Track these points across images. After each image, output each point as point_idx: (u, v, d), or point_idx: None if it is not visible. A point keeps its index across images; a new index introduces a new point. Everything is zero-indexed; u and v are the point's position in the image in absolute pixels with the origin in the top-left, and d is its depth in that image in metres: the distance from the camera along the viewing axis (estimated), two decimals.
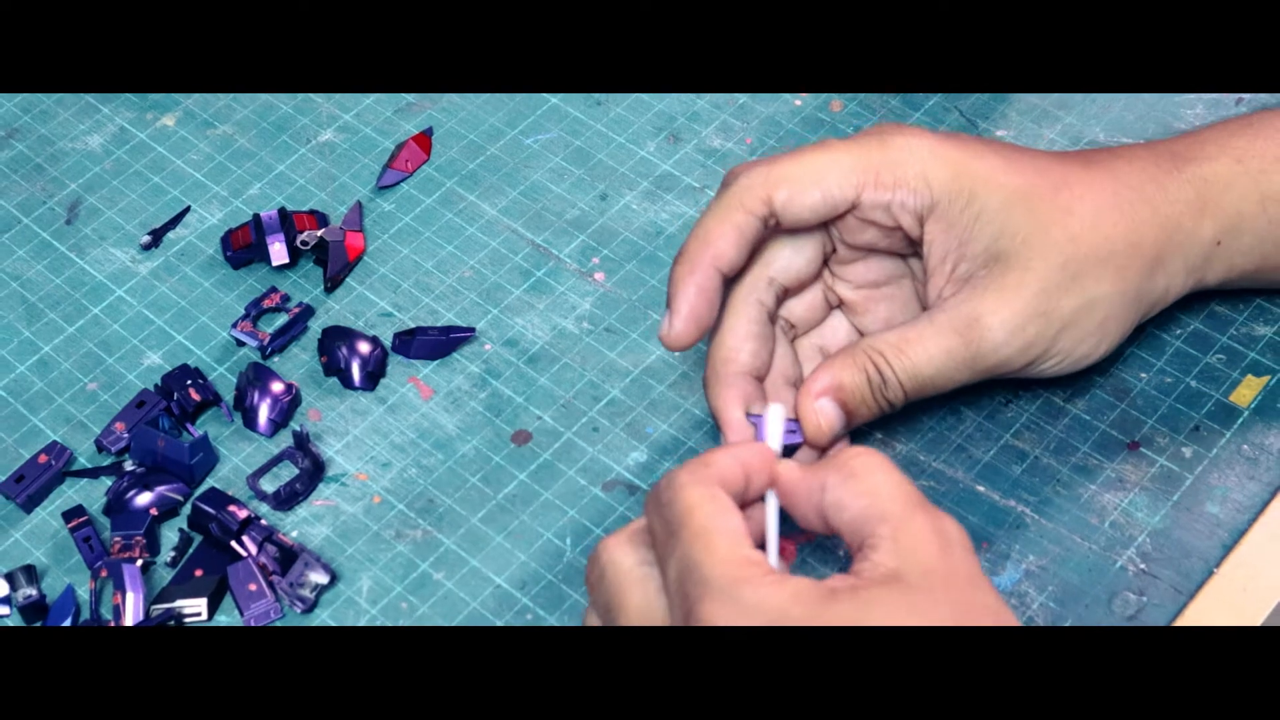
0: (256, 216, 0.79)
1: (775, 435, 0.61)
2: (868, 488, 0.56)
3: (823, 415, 0.66)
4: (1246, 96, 0.81)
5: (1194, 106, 0.82)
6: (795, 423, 0.66)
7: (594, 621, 0.59)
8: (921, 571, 0.54)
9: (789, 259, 0.68)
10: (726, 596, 0.53)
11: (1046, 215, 0.65)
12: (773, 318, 0.68)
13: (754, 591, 0.53)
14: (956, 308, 0.65)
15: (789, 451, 0.66)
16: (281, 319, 0.77)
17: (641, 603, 0.57)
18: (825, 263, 0.69)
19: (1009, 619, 0.54)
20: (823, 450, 0.67)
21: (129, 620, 0.67)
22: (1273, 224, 0.68)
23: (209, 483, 0.72)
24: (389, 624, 0.67)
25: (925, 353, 0.65)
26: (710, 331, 0.67)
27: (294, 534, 0.70)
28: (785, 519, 0.59)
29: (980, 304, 0.65)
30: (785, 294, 0.69)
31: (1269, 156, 0.68)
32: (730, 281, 0.67)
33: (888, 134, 0.66)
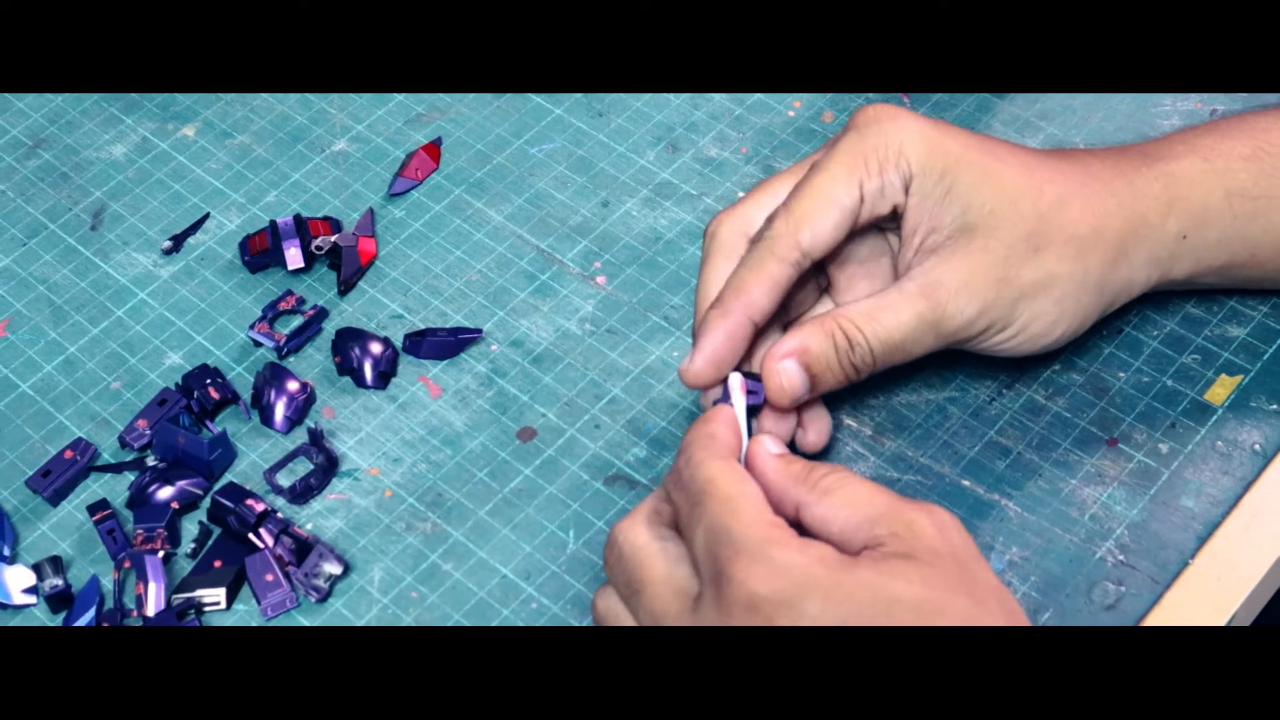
0: (273, 223, 0.79)
1: (739, 404, 0.63)
2: (847, 499, 0.57)
3: (785, 375, 0.64)
4: (1220, 109, 0.82)
5: (1170, 118, 0.82)
6: (759, 383, 0.65)
7: (609, 600, 0.60)
8: (929, 551, 0.55)
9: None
10: (757, 557, 0.54)
11: (1014, 190, 0.65)
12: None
13: (782, 552, 0.54)
14: (924, 275, 0.65)
15: (752, 412, 0.65)
16: (297, 321, 0.77)
17: (663, 573, 0.58)
18: None
19: (1007, 595, 0.56)
20: (785, 414, 0.66)
21: (151, 610, 0.67)
22: (1238, 220, 0.68)
23: (228, 477, 0.72)
24: (400, 612, 0.67)
25: (895, 317, 0.65)
26: (735, 279, 0.65)
27: (309, 526, 0.70)
28: None
29: (944, 269, 0.65)
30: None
31: (1235, 155, 0.68)
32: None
33: (861, 125, 0.66)
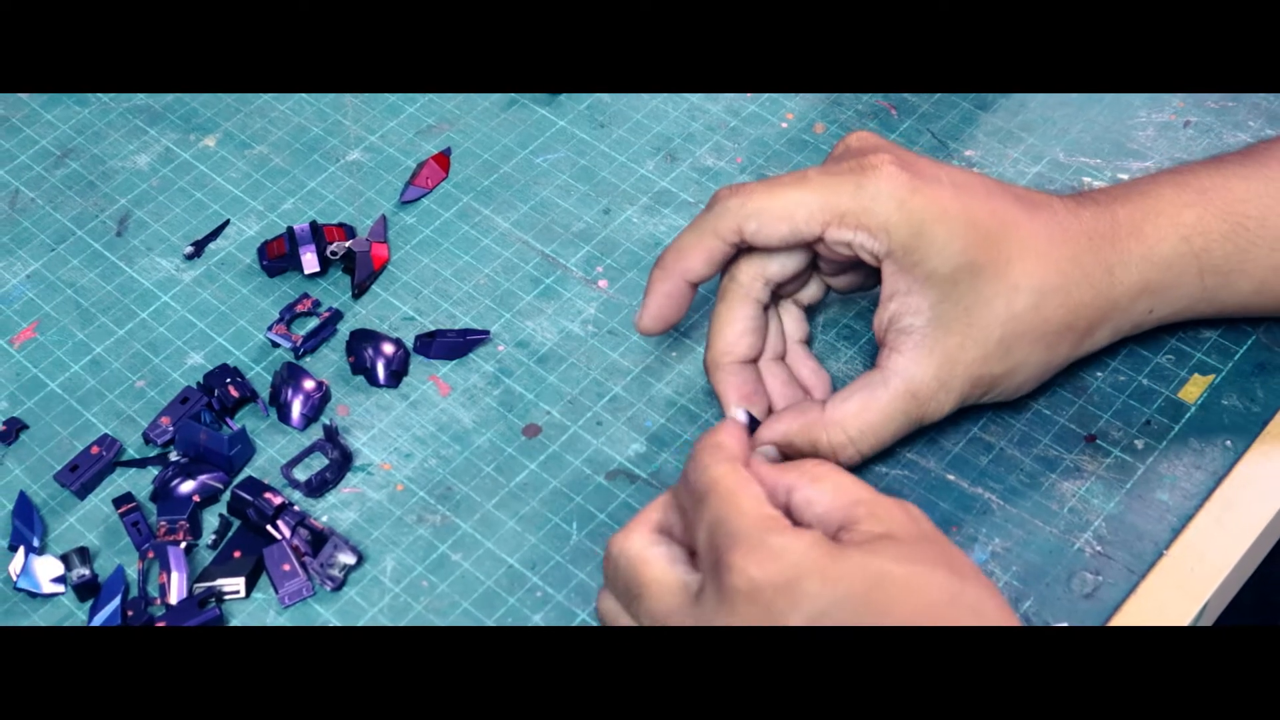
0: (290, 229, 0.79)
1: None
2: (833, 485, 0.59)
3: (764, 457, 0.66)
4: (1195, 119, 0.82)
5: (1145, 129, 0.82)
6: (757, 423, 0.68)
7: (609, 604, 0.61)
8: (905, 533, 0.57)
9: (783, 263, 0.68)
10: (753, 544, 0.55)
11: (992, 290, 0.64)
12: (766, 307, 0.69)
13: (777, 538, 0.55)
14: (906, 369, 0.65)
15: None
16: (313, 322, 0.77)
17: (660, 573, 0.59)
18: None
19: (980, 572, 0.57)
20: None
21: (173, 598, 0.67)
22: (1207, 290, 0.68)
23: (247, 472, 0.72)
24: (411, 600, 0.67)
25: (882, 415, 0.66)
26: (713, 324, 0.69)
27: (324, 519, 0.71)
28: None
29: (923, 366, 0.65)
30: (779, 286, 0.69)
31: (1214, 234, 0.66)
32: (727, 267, 0.68)
33: (865, 177, 0.64)
